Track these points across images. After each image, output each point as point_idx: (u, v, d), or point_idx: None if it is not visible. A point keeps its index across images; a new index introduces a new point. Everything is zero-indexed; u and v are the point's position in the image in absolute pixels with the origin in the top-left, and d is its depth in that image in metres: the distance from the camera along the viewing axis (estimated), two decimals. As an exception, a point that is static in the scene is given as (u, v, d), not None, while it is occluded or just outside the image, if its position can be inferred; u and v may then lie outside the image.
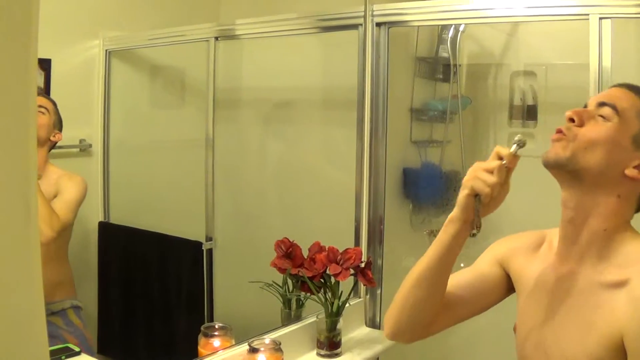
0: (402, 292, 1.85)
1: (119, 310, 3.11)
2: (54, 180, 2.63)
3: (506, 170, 1.63)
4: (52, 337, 2.59)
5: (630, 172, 1.57)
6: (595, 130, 1.61)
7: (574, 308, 1.61)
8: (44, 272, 2.32)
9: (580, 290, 1.61)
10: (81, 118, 2.98)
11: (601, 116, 1.61)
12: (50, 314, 2.61)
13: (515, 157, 1.64)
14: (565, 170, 1.63)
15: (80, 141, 2.92)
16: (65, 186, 2.68)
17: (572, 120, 1.63)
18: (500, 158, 1.63)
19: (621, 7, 2.46)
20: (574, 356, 1.56)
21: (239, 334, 2.44)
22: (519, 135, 1.67)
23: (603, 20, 2.47)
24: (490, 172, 1.62)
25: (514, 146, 1.65)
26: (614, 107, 1.60)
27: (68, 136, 2.78)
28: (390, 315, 1.88)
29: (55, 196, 2.64)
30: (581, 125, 1.62)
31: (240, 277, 3.10)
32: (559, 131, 1.64)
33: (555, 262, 1.72)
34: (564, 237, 1.70)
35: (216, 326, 2.39)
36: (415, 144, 3.75)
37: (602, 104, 1.63)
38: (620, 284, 1.50)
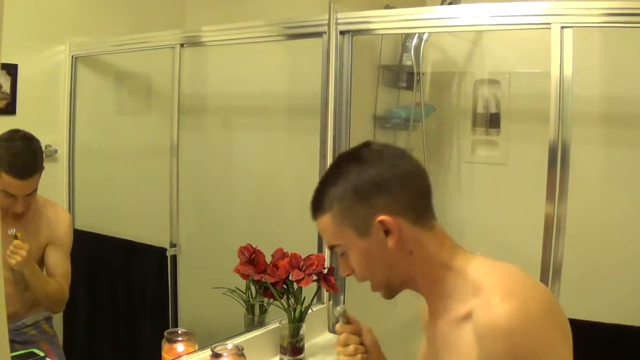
0: None
1: (83, 317, 3.09)
2: (41, 213, 2.61)
3: (358, 337, 1.97)
4: (28, 344, 2.58)
5: (390, 243, 1.66)
6: (355, 264, 1.75)
7: (445, 347, 1.67)
8: (22, 299, 2.30)
9: (444, 333, 1.68)
10: (47, 124, 2.96)
11: (342, 255, 1.77)
12: (25, 326, 2.60)
13: (346, 325, 1.98)
14: (397, 292, 1.80)
15: (46, 147, 2.89)
16: (60, 238, 2.69)
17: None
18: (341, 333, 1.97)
19: (583, 16, 2.50)
20: None
21: (203, 339, 2.45)
22: (338, 310, 2.01)
23: (565, 29, 2.51)
24: (345, 344, 1.95)
25: (340, 319, 1.99)
26: (334, 246, 1.76)
27: (33, 142, 2.78)
28: None
29: (47, 242, 2.63)
30: (353, 272, 1.79)
31: (205, 283, 3.11)
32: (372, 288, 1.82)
33: (431, 321, 1.80)
34: (425, 298, 1.80)
35: (179, 332, 2.40)
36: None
37: (331, 249, 1.80)
38: (466, 317, 1.56)
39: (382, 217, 1.64)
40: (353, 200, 1.67)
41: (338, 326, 1.99)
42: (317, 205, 1.76)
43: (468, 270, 1.63)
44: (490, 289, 1.52)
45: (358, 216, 1.67)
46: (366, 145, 1.75)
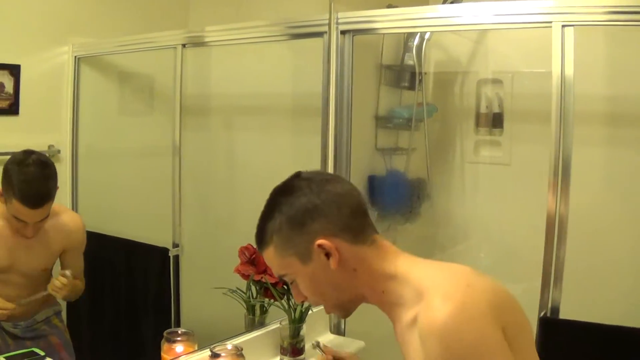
0: None
1: (86, 316, 3.09)
2: (56, 222, 2.62)
3: None
4: (37, 338, 2.62)
5: (333, 264, 1.69)
6: (304, 290, 1.79)
7: (407, 353, 1.66)
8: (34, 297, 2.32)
9: (400, 341, 1.70)
10: (50, 124, 2.97)
11: (292, 283, 1.81)
12: (36, 323, 2.63)
13: (325, 355, 2.13)
14: (351, 311, 1.85)
15: (49, 147, 2.90)
16: (77, 244, 2.76)
17: None
18: None
19: (585, 14, 2.48)
20: None
21: (205, 339, 2.45)
22: (312, 343, 2.23)
23: (566, 27, 2.50)
24: None
25: (318, 351, 2.16)
26: (282, 275, 1.80)
27: (37, 142, 2.77)
28: None
29: (64, 248, 2.68)
30: (306, 298, 1.83)
31: (206, 283, 3.10)
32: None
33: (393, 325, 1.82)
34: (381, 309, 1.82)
35: (179, 332, 2.39)
36: (380, 151, 3.77)
37: (280, 278, 1.86)
38: (413, 323, 1.58)
39: (320, 241, 1.68)
40: (290, 230, 1.71)
41: (318, 358, 2.16)
42: (259, 241, 1.80)
43: (411, 277, 1.65)
44: (431, 292, 1.54)
45: (297, 244, 1.71)
46: (297, 176, 1.80)
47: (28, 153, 2.43)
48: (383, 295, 1.71)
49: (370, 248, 1.72)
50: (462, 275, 1.61)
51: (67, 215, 2.74)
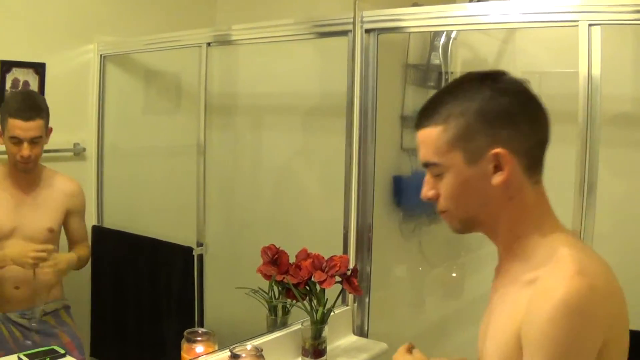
0: None
1: (111, 314, 3.11)
2: (52, 183, 2.72)
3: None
4: (48, 335, 2.63)
5: (496, 180, 1.56)
6: (446, 189, 1.62)
7: (499, 306, 1.61)
8: (41, 278, 2.38)
9: (503, 292, 1.62)
10: (75, 122, 2.98)
11: (436, 176, 1.63)
12: (45, 314, 2.65)
13: None
14: (471, 231, 1.70)
15: (75, 145, 2.92)
16: (79, 207, 2.86)
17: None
18: None
19: (612, 13, 2.43)
20: (489, 350, 1.58)
21: (227, 339, 2.45)
22: None
23: (592, 26, 2.46)
24: None
25: None
26: (432, 164, 1.62)
27: (62, 140, 2.79)
28: None
29: (67, 211, 2.76)
30: (437, 197, 1.65)
31: (230, 283, 3.09)
32: (440, 212, 1.69)
33: (496, 274, 1.74)
34: (499, 252, 1.72)
35: (200, 332, 2.39)
36: (406, 151, 3.74)
37: (425, 166, 1.65)
38: (531, 282, 1.49)
39: (499, 150, 1.54)
40: (475, 122, 1.56)
41: None
42: (429, 115, 1.63)
43: (554, 239, 1.56)
44: (566, 262, 1.45)
45: (474, 141, 1.57)
46: (502, 73, 1.64)
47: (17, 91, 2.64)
48: (515, 241, 1.61)
49: (533, 188, 1.60)
50: (604, 266, 1.54)
51: (65, 177, 2.82)
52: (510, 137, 1.54)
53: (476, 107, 1.56)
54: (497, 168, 1.55)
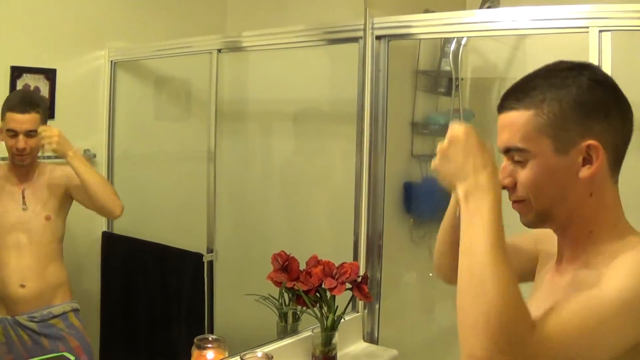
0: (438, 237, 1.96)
1: (120, 320, 3.11)
2: (50, 173, 2.71)
3: None
4: (56, 338, 2.61)
5: (583, 173, 1.50)
6: (529, 177, 1.56)
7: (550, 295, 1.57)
8: (45, 275, 2.37)
9: (561, 284, 1.58)
10: (86, 128, 2.98)
11: (517, 162, 1.57)
12: (52, 317, 2.63)
13: None
14: (544, 225, 1.63)
15: (85, 151, 2.91)
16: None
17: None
18: None
19: (622, 19, 2.44)
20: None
21: (237, 346, 2.44)
22: None
23: (603, 33, 2.46)
24: None
25: None
26: (517, 149, 1.55)
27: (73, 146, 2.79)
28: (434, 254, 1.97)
29: (66, 190, 2.71)
30: (514, 185, 1.59)
31: (240, 290, 3.09)
32: (514, 201, 1.62)
33: (556, 268, 1.67)
34: (560, 246, 1.66)
35: (210, 338, 2.38)
36: (416, 158, 3.74)
37: (506, 152, 1.59)
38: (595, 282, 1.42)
39: (593, 142, 1.48)
40: (570, 110, 1.50)
41: None
42: (519, 97, 1.55)
43: (630, 240, 1.51)
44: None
45: (567, 129, 1.50)
46: (594, 65, 1.63)
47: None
48: (588, 239, 1.55)
49: (613, 187, 1.56)
50: None
51: (60, 164, 2.75)
52: (603, 130, 1.50)
53: (574, 95, 1.50)
54: (586, 161, 1.50)
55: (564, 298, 1.39)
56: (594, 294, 1.36)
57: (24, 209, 2.59)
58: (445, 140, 1.59)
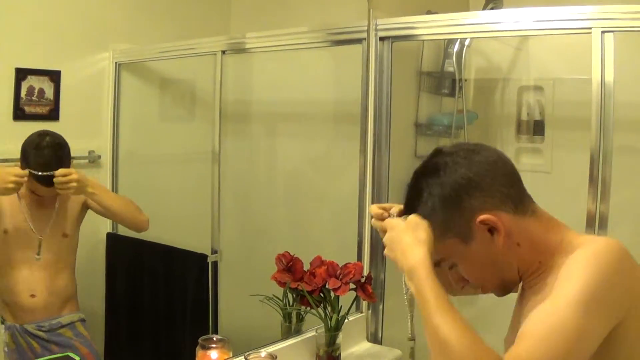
0: None
1: (125, 321, 3.11)
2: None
3: None
4: (65, 346, 2.61)
5: (498, 242, 1.60)
6: (467, 274, 1.72)
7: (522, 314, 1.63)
8: (56, 286, 2.36)
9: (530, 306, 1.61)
10: (90, 130, 2.99)
11: (452, 267, 1.74)
12: (61, 326, 2.63)
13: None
14: (511, 290, 1.75)
15: (89, 152, 2.92)
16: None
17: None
18: None
19: (625, 20, 2.45)
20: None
21: (241, 346, 2.44)
22: None
23: (605, 33, 2.46)
24: None
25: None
26: (440, 261, 1.69)
27: (77, 147, 2.78)
28: None
29: (84, 204, 2.70)
30: (467, 284, 1.78)
31: (245, 290, 3.10)
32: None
33: (519, 300, 1.76)
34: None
35: (214, 338, 2.38)
36: (420, 158, 3.74)
37: (438, 265, 1.67)
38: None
39: (482, 217, 1.57)
40: (445, 210, 1.62)
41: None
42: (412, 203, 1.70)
43: (574, 244, 1.57)
44: (594, 238, 1.56)
45: (457, 224, 1.62)
46: (437, 152, 1.70)
47: (42, 135, 2.50)
48: (538, 266, 1.61)
49: (532, 218, 1.62)
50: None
51: None
52: (482, 200, 1.59)
53: (437, 199, 1.62)
54: (492, 230, 1.59)
55: (526, 322, 1.47)
56: (551, 311, 1.42)
57: (44, 228, 2.55)
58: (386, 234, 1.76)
